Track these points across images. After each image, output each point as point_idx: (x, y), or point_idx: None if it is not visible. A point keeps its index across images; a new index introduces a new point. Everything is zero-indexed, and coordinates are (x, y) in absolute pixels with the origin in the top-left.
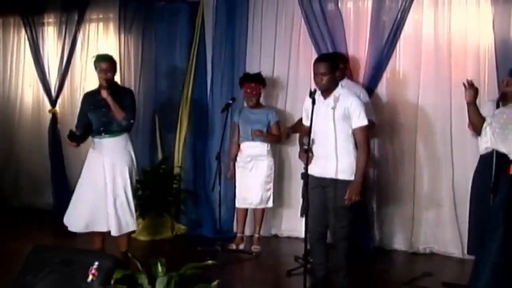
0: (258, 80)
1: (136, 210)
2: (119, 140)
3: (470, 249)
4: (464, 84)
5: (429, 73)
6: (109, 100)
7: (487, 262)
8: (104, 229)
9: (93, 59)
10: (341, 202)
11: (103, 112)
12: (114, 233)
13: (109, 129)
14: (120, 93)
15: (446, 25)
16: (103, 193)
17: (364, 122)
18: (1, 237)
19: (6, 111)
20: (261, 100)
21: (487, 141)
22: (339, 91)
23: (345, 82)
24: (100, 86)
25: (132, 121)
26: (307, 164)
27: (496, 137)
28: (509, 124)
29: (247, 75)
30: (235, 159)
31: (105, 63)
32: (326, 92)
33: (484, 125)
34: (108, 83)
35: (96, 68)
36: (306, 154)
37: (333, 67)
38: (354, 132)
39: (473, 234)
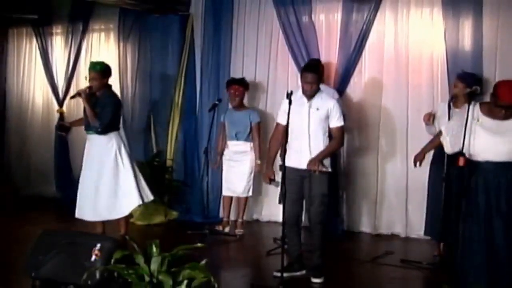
0: (242, 83)
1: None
2: (101, 138)
3: (427, 231)
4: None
5: (390, 77)
6: (86, 106)
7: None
8: (95, 218)
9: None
10: (316, 190)
11: (86, 113)
12: (95, 218)
13: (89, 128)
14: (102, 100)
15: (405, 35)
16: (93, 184)
17: (341, 123)
18: (14, 222)
19: (20, 111)
20: (245, 102)
21: (448, 148)
22: (320, 94)
23: (322, 86)
24: (78, 92)
25: (99, 128)
26: (284, 158)
27: (452, 139)
28: (460, 126)
29: (233, 79)
30: (221, 154)
31: (92, 72)
32: (311, 96)
33: (442, 138)
34: (90, 91)
35: None
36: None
37: (319, 78)
38: (332, 130)
39: (429, 218)
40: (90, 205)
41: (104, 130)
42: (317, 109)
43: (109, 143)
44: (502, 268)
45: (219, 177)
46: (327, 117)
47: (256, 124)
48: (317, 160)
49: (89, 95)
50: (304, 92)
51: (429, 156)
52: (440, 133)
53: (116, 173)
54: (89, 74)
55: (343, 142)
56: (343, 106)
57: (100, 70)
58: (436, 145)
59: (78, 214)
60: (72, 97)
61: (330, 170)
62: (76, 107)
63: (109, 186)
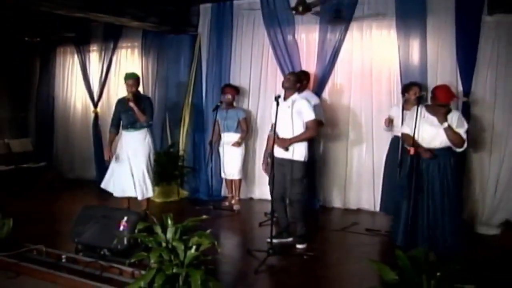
0: (233, 87)
1: (153, 181)
2: (140, 133)
3: (382, 208)
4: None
5: (357, 84)
6: (135, 109)
7: (401, 218)
8: (132, 195)
9: (124, 76)
10: (295, 176)
11: (130, 115)
12: (139, 197)
13: (134, 126)
14: (142, 101)
15: (368, 52)
16: (129, 169)
17: (312, 116)
18: (61, 200)
19: (64, 112)
20: (240, 103)
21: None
22: (295, 96)
23: (306, 92)
24: (128, 99)
25: (151, 122)
26: (273, 148)
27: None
28: (411, 119)
29: (228, 84)
30: (216, 142)
31: (131, 79)
32: (287, 94)
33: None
34: (133, 95)
35: (125, 82)
36: (273, 138)
37: (297, 79)
38: (306, 124)
39: (385, 197)
40: (131, 185)
41: (150, 124)
42: (289, 106)
43: (145, 138)
44: (439, 233)
45: (220, 163)
46: (300, 113)
47: (243, 119)
48: (288, 141)
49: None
50: (282, 85)
51: (387, 145)
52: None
53: (148, 162)
54: (128, 81)
55: (316, 133)
56: (322, 111)
57: (137, 78)
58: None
59: (113, 191)
60: (129, 100)
61: (303, 160)
62: (107, 109)
63: (143, 171)
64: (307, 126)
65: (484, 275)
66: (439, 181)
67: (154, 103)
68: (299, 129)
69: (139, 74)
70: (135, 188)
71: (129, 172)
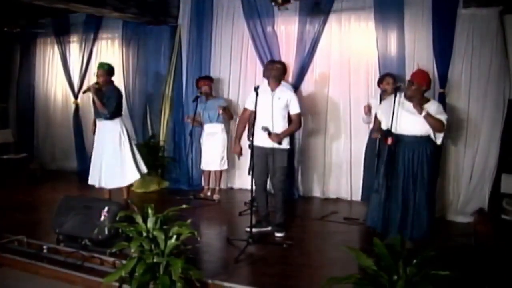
0: (207, 78)
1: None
2: (109, 123)
3: (363, 197)
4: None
5: (336, 75)
6: (95, 98)
7: (376, 204)
8: (101, 185)
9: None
10: (278, 164)
11: (95, 105)
12: (104, 186)
13: (99, 115)
14: (107, 92)
15: (347, 43)
16: (100, 158)
17: (299, 110)
18: (42, 190)
19: (45, 103)
20: (220, 93)
21: (383, 124)
22: (282, 87)
23: (284, 83)
24: (88, 88)
25: (108, 115)
26: (252, 138)
27: (385, 117)
28: (387, 109)
29: (200, 77)
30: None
31: (100, 70)
32: (273, 85)
33: (378, 117)
34: (98, 85)
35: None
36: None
37: (284, 68)
38: (292, 117)
39: (365, 186)
40: (102, 175)
41: (111, 116)
42: (279, 98)
43: (115, 127)
44: (409, 221)
45: (201, 154)
46: (287, 106)
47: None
48: (279, 136)
49: (97, 90)
50: (268, 74)
51: (365, 135)
52: (376, 116)
53: (120, 150)
54: (98, 71)
55: (301, 126)
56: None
57: (107, 69)
58: (379, 122)
59: (91, 181)
60: (84, 92)
61: (288, 147)
62: (88, 100)
63: (115, 160)
64: (294, 119)
65: (459, 261)
66: (415, 170)
67: (134, 94)
68: (278, 119)
69: (120, 65)
70: (101, 176)
71: (100, 161)
